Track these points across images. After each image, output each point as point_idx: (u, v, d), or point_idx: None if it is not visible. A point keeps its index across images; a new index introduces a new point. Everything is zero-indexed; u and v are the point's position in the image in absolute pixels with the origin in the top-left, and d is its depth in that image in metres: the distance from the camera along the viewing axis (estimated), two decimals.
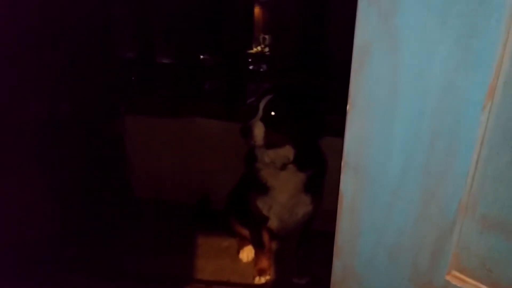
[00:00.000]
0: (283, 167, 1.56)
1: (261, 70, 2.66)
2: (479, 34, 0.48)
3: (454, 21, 0.49)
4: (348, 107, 0.63)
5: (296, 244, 1.88)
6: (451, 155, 0.55)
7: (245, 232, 1.93)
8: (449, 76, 0.52)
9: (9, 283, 1.58)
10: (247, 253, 1.96)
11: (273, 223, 1.75)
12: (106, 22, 2.16)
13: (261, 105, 1.52)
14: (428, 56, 0.53)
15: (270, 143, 1.52)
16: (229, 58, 2.30)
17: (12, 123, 1.62)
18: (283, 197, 1.63)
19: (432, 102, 0.54)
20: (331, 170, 1.66)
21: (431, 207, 0.60)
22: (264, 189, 1.63)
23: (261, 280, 1.82)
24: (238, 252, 1.98)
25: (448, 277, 0.62)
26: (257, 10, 2.65)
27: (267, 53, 2.68)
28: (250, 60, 2.63)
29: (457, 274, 0.61)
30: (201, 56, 2.47)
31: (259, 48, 2.78)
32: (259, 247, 1.87)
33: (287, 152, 1.54)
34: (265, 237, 1.84)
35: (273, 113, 1.51)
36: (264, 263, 1.86)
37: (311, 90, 2.07)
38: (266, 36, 2.75)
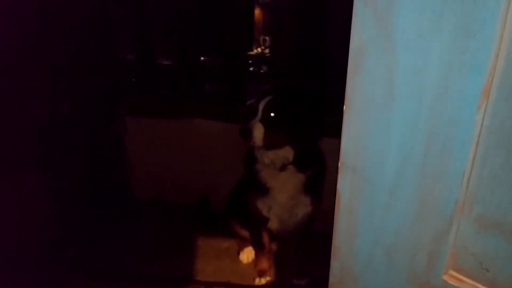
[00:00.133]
0: (283, 168, 1.57)
1: (261, 71, 2.66)
2: (474, 34, 0.48)
3: (449, 21, 0.50)
4: (344, 107, 0.63)
5: (296, 245, 1.88)
6: (447, 155, 0.55)
7: (245, 233, 1.93)
8: (444, 76, 0.52)
9: (9, 284, 1.59)
10: (247, 254, 1.96)
11: (273, 224, 1.75)
12: (106, 23, 2.16)
13: (261, 106, 1.53)
14: (423, 57, 0.53)
15: (269, 144, 1.52)
16: (229, 59, 2.30)
17: (12, 124, 1.63)
18: (283, 198, 1.64)
19: (428, 102, 0.54)
20: (330, 171, 1.66)
21: (428, 207, 0.60)
22: (263, 190, 1.63)
23: (261, 281, 1.83)
24: (238, 253, 1.98)
25: (445, 277, 0.62)
26: (257, 11, 2.65)
27: (267, 55, 2.68)
28: (250, 61, 2.63)
29: (454, 274, 0.61)
30: (201, 58, 2.47)
31: (259, 49, 2.78)
32: (259, 248, 1.87)
33: (286, 153, 1.55)
34: (265, 238, 1.84)
35: (272, 114, 1.52)
36: (264, 264, 1.86)
37: (310, 91, 2.08)
38: (266, 38, 2.74)
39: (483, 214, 0.57)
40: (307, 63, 2.24)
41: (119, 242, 2.07)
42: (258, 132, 1.49)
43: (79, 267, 1.87)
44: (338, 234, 0.73)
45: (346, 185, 0.69)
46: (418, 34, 0.53)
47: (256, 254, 1.91)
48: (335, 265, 0.77)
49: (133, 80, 2.43)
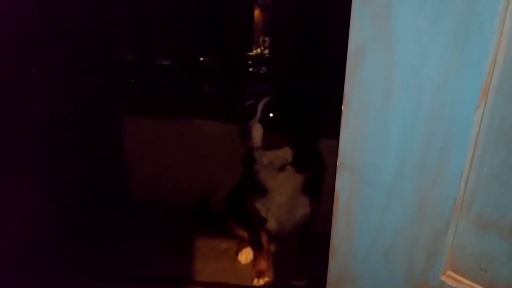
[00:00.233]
0: (282, 168, 1.57)
1: (261, 72, 2.66)
2: (472, 34, 0.48)
3: (447, 21, 0.50)
4: (343, 107, 0.63)
5: (294, 246, 1.88)
6: (445, 155, 0.55)
7: (244, 234, 1.93)
8: (442, 76, 0.52)
9: (9, 284, 1.58)
10: (245, 255, 1.96)
11: (271, 225, 1.75)
12: (106, 23, 2.16)
13: (260, 107, 1.53)
14: (422, 57, 0.53)
15: (268, 145, 1.52)
16: (228, 60, 2.30)
17: (11, 124, 1.63)
18: (281, 199, 1.63)
19: (426, 102, 0.54)
20: (329, 172, 1.66)
21: (426, 208, 0.60)
22: (262, 191, 1.63)
23: (260, 282, 1.82)
24: (237, 254, 1.98)
25: (443, 278, 0.62)
26: (257, 12, 2.66)
27: (267, 55, 2.68)
28: (249, 62, 2.64)
29: (453, 274, 0.61)
30: (201, 58, 2.48)
31: (258, 50, 2.79)
32: (257, 249, 1.87)
33: (285, 153, 1.55)
34: (264, 239, 1.84)
35: (271, 115, 1.52)
36: (263, 265, 1.86)
37: (309, 92, 2.08)
38: (266, 38, 2.75)
39: (481, 215, 0.57)
40: (306, 63, 2.25)
41: (118, 242, 2.07)
42: (257, 132, 1.49)
43: (79, 267, 1.87)
44: (336, 234, 0.73)
45: (344, 186, 0.69)
46: (417, 34, 0.53)
47: (254, 255, 1.91)
48: (333, 265, 0.77)
49: (133, 80, 2.43)
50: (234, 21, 2.22)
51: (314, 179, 1.65)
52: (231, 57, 2.28)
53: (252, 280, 1.83)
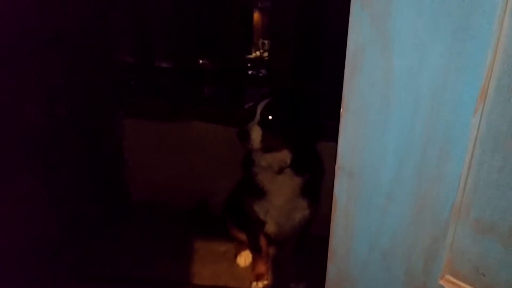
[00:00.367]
0: (280, 171, 1.57)
1: (260, 74, 2.66)
2: (470, 37, 0.48)
3: (445, 24, 0.50)
4: (341, 110, 0.63)
5: (293, 249, 1.88)
6: (443, 159, 0.55)
7: (243, 236, 1.93)
8: (441, 79, 0.52)
9: (5, 285, 1.58)
10: (244, 258, 1.96)
11: (270, 228, 1.75)
12: (105, 25, 2.16)
13: (259, 109, 1.53)
14: (420, 60, 0.53)
15: (267, 147, 1.52)
16: (228, 62, 2.31)
17: (10, 126, 1.63)
18: (280, 201, 1.63)
19: (425, 105, 0.54)
20: (328, 175, 1.65)
21: (425, 211, 0.60)
22: (261, 193, 1.63)
23: (259, 285, 1.82)
24: (235, 257, 1.98)
25: (441, 281, 0.61)
26: (256, 15, 2.66)
27: (266, 58, 2.69)
28: (249, 64, 2.64)
29: (451, 278, 0.61)
30: (200, 61, 2.48)
31: (258, 53, 2.79)
32: (256, 252, 1.86)
33: (284, 156, 1.55)
34: (263, 242, 1.84)
35: (270, 117, 1.52)
36: (262, 268, 1.85)
37: (308, 95, 2.08)
38: (265, 41, 2.76)
39: (479, 218, 0.56)
40: (305, 66, 2.25)
41: (116, 245, 2.06)
42: (256, 135, 1.49)
43: (77, 270, 1.86)
44: (335, 237, 0.73)
45: (342, 189, 0.68)
46: (415, 37, 0.53)
47: (253, 258, 1.91)
48: (331, 269, 0.76)
49: (132, 82, 2.44)
50: (233, 24, 2.23)
51: (313, 182, 1.65)
52: (231, 60, 2.28)
53: (251, 283, 1.83)
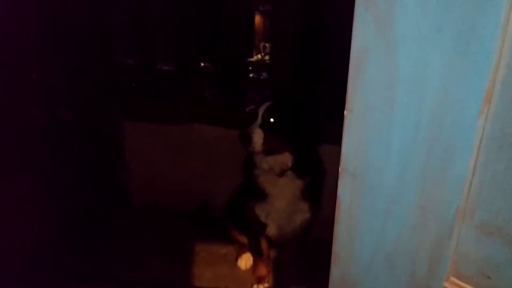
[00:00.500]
0: (282, 173, 1.56)
1: (261, 77, 2.67)
2: (475, 40, 0.48)
3: (450, 27, 0.50)
4: (345, 112, 0.63)
5: (294, 252, 1.87)
6: (448, 161, 0.55)
7: (244, 239, 1.92)
8: (445, 82, 0.52)
9: (2, 284, 1.57)
10: (245, 261, 1.95)
11: (271, 230, 1.74)
12: (106, 28, 2.17)
13: (260, 112, 1.53)
14: (424, 62, 0.53)
15: (268, 150, 1.52)
16: (229, 65, 2.31)
17: (11, 128, 1.63)
18: (281, 204, 1.63)
19: (429, 108, 0.54)
20: (330, 178, 1.65)
21: (429, 213, 0.60)
22: (262, 196, 1.63)
23: (259, 287, 1.81)
24: (236, 259, 1.97)
25: (446, 284, 0.61)
26: (257, 18, 2.67)
27: (267, 61, 2.69)
28: (250, 67, 2.64)
29: (456, 280, 0.61)
30: (202, 63, 2.48)
31: (259, 56, 2.80)
32: (257, 255, 1.86)
33: (285, 158, 1.55)
34: (264, 244, 1.83)
35: (272, 120, 1.52)
36: (263, 270, 1.85)
37: (310, 98, 2.08)
38: (267, 44, 2.76)
39: (484, 221, 0.56)
40: (306, 69, 2.25)
41: (117, 247, 2.06)
42: (258, 137, 1.49)
43: (77, 272, 1.85)
44: (338, 239, 0.73)
45: (346, 191, 0.68)
46: (419, 39, 0.53)
47: (254, 261, 1.90)
48: (335, 271, 0.76)
49: (133, 85, 2.44)
50: (234, 27, 2.23)
51: (314, 185, 1.65)
52: (232, 63, 2.28)
53: (252, 285, 1.82)
